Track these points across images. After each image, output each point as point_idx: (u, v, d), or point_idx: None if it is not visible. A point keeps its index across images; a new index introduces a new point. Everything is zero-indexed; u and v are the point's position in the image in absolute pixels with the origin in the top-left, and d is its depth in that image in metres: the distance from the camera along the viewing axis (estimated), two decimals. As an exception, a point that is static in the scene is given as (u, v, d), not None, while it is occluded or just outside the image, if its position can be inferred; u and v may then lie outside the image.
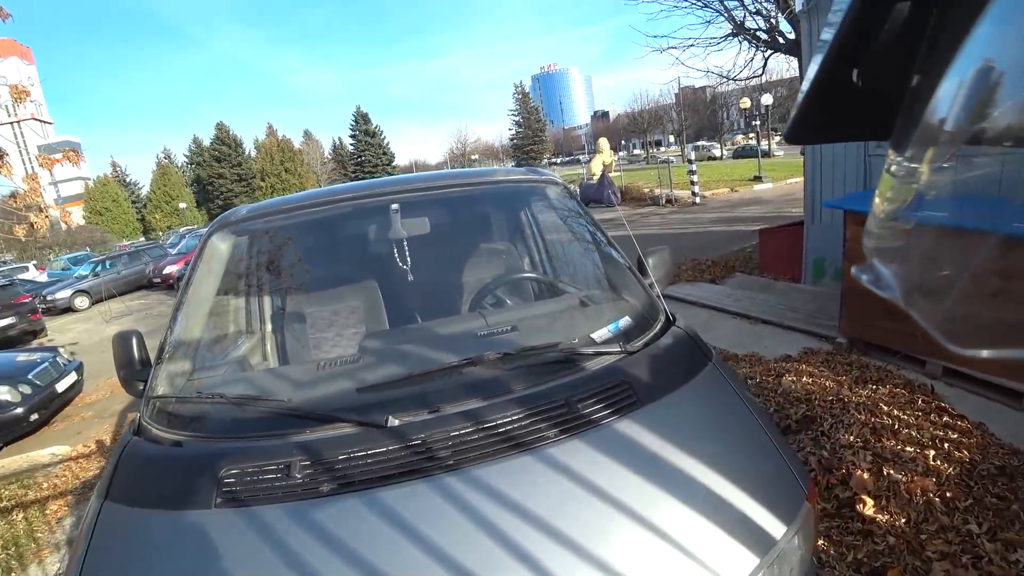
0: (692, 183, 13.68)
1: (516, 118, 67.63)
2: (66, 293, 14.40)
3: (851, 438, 2.43)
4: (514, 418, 1.24)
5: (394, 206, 2.05)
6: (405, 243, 2.21)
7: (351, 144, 60.52)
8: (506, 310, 2.02)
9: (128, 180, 54.26)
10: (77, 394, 6.46)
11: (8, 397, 5.45)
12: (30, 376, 5.77)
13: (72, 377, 6.28)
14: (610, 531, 1.09)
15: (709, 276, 6.39)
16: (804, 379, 3.07)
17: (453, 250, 2.49)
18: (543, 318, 1.77)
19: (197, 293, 1.91)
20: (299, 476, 1.13)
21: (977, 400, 2.78)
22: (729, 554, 1.12)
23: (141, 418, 1.49)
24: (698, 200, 13.66)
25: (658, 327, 1.62)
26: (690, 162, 13.92)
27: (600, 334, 1.59)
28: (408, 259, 2.22)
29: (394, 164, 60.85)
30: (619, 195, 15.44)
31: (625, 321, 1.65)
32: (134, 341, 1.75)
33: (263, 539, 1.04)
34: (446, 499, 1.09)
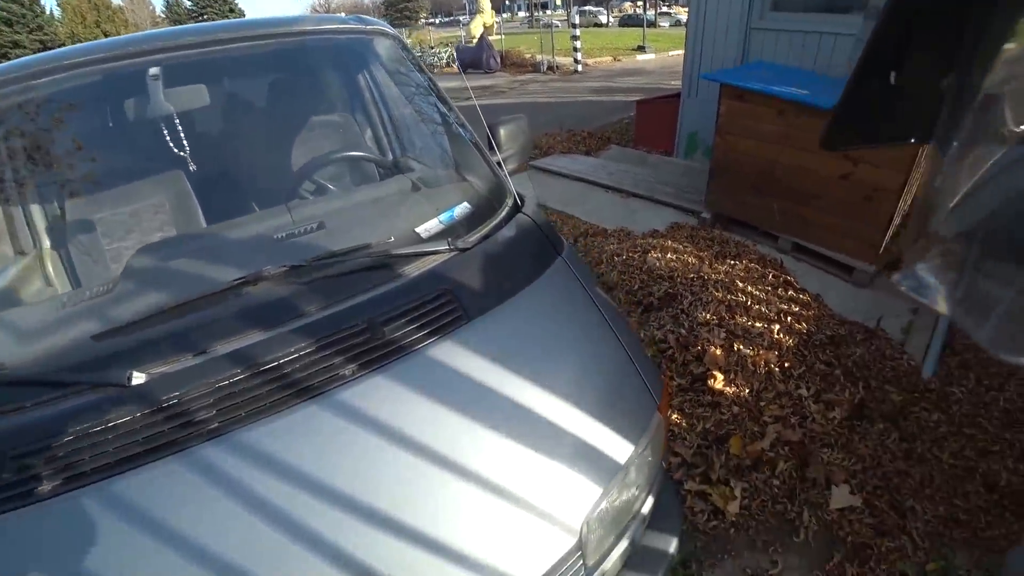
0: (575, 50, 12.98)
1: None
2: None
3: (708, 316, 2.45)
4: (300, 354, 0.95)
5: (170, 69, 1.51)
6: (208, 118, 1.84)
7: (189, 3, 49.47)
8: (319, 201, 1.60)
9: None
10: None
11: None
12: None
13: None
14: (418, 496, 0.84)
15: (584, 148, 6.19)
16: (669, 255, 3.05)
17: (274, 124, 1.98)
18: (361, 208, 1.39)
19: None
20: (71, 458, 0.82)
21: (818, 274, 2.96)
22: (569, 492, 0.95)
23: None
24: (580, 69, 13.07)
25: (502, 215, 1.33)
26: (574, 26, 13.08)
27: (428, 227, 1.26)
28: (211, 139, 1.87)
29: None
30: (499, 60, 14.37)
31: (462, 209, 1.34)
32: None
33: None
34: (205, 479, 0.82)
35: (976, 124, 0.44)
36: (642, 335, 2.50)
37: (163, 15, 50.19)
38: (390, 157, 1.88)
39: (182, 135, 1.58)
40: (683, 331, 2.42)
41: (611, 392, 1.10)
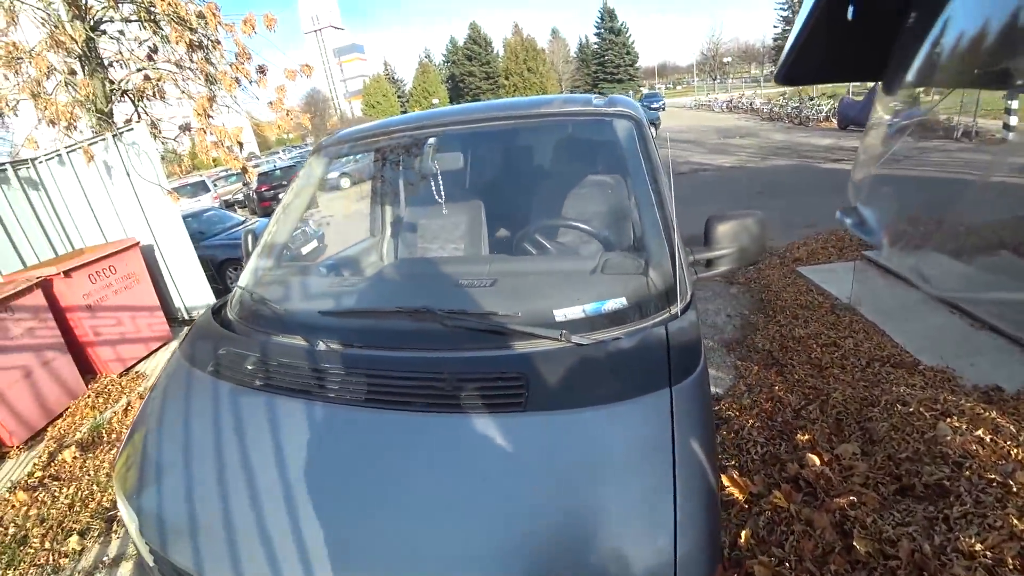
0: (1008, 112, 9.83)
1: (784, 13, 56.14)
2: (334, 174, 17.71)
3: (980, 545, 1.66)
4: (393, 377, 1.29)
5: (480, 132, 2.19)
6: (498, 172, 2.62)
7: (595, 43, 58.55)
8: (514, 260, 1.96)
9: (395, 77, 63.15)
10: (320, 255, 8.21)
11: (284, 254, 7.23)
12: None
13: (314, 243, 7.90)
14: (388, 502, 1.06)
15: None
16: (978, 432, 2.15)
17: (531, 185, 2.50)
18: (534, 278, 1.64)
19: (291, 205, 2.22)
20: (252, 369, 1.44)
21: None
22: None
23: (226, 298, 1.93)
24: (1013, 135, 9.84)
25: (646, 322, 1.31)
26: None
27: (567, 312, 1.37)
28: (499, 188, 2.55)
29: (637, 65, 57.16)
30: (889, 120, 12.08)
31: (614, 303, 1.38)
32: (249, 239, 2.15)
33: (217, 407, 1.39)
34: (312, 419, 1.25)
35: (924, 64, 0.44)
36: (871, 523, 1.89)
37: (575, 53, 60.44)
38: (607, 234, 1.97)
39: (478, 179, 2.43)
40: (929, 547, 1.71)
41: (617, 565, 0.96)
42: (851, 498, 1.99)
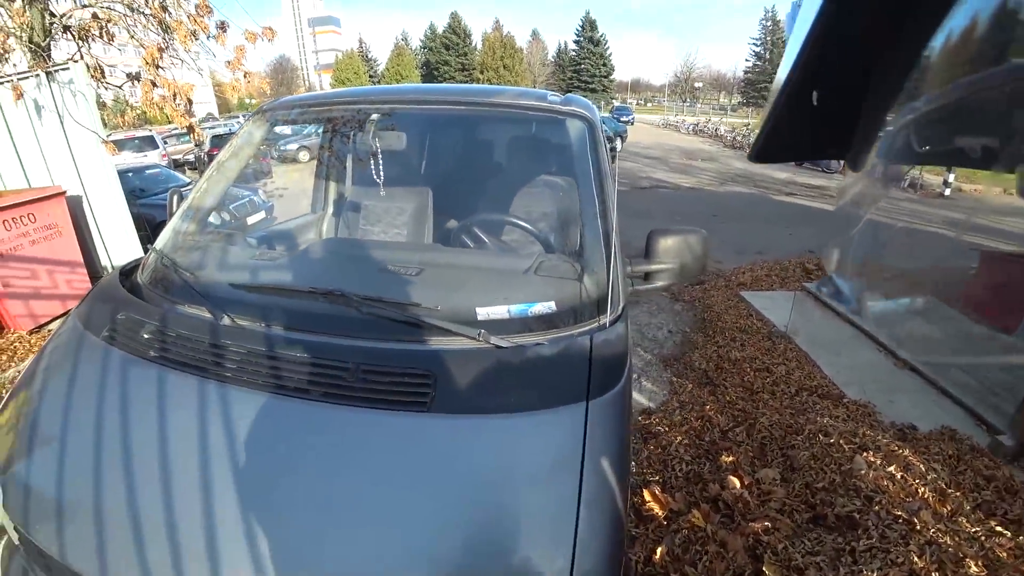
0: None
1: (757, 48, 58.61)
2: (293, 146, 17.04)
3: None
4: (297, 360, 1.20)
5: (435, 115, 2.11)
6: (449, 157, 2.47)
7: (573, 50, 59.12)
8: (449, 252, 1.88)
9: (369, 56, 61.67)
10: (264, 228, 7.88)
11: (211, 219, 6.81)
12: (231, 207, 7.06)
13: (261, 215, 7.53)
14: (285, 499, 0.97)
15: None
16: (890, 469, 2.22)
17: (481, 174, 2.44)
18: (464, 271, 1.55)
19: (223, 167, 2.08)
20: (148, 338, 1.31)
21: None
22: None
23: (138, 260, 1.78)
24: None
25: (573, 330, 1.27)
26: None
27: (490, 311, 1.30)
28: (447, 174, 2.43)
29: (611, 77, 58.20)
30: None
31: (543, 307, 1.32)
32: (174, 199, 1.99)
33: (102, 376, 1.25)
34: (204, 398, 1.14)
35: (885, 144, 0.51)
36: (782, 549, 1.90)
37: (553, 58, 61.00)
38: (549, 235, 1.89)
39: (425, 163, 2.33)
40: (833, 578, 1.74)
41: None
42: (765, 523, 2.01)
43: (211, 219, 2.22)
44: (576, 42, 57.61)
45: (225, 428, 1.07)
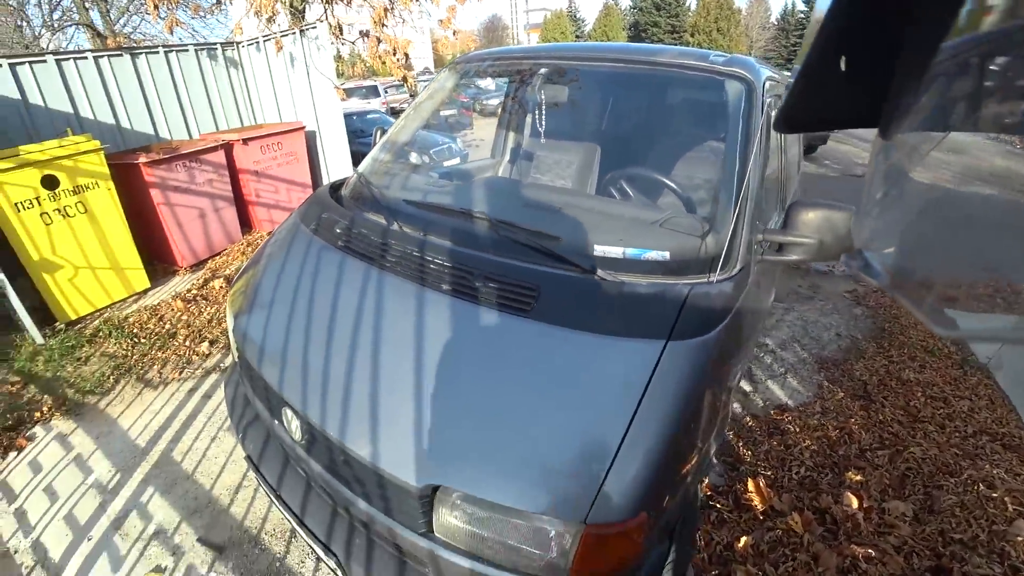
0: None
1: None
2: (495, 101, 17.72)
3: None
4: (441, 263, 1.45)
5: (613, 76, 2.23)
6: (621, 116, 2.53)
7: (802, 12, 49.84)
8: (598, 199, 2.02)
9: (577, 16, 59.05)
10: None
11: (413, 159, 7.68)
12: (432, 152, 7.84)
13: (456, 161, 8.26)
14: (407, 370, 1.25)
15: None
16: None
17: (648, 133, 2.48)
18: (600, 217, 1.68)
19: (416, 110, 2.42)
20: (339, 232, 1.72)
21: None
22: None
23: (345, 178, 2.23)
24: None
25: (679, 280, 1.32)
26: None
27: (606, 250, 1.45)
28: (619, 132, 2.53)
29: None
30: None
31: (656, 255, 1.42)
32: (378, 134, 2.44)
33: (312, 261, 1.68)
34: (386, 287, 1.47)
35: (917, 111, 0.46)
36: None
37: (776, 20, 52.64)
38: (690, 193, 1.93)
39: (592, 119, 2.50)
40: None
41: (556, 472, 1.05)
42: (870, 551, 1.86)
43: (412, 159, 2.66)
44: (807, 2, 48.61)
45: (376, 302, 1.42)
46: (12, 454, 2.65)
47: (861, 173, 10.25)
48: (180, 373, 3.21)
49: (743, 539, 1.99)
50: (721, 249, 1.38)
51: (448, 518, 1.10)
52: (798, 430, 2.62)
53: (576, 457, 1.05)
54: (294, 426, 1.36)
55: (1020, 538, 1.89)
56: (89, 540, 2.15)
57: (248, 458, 1.65)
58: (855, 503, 2.09)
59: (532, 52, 2.32)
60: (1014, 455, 2.45)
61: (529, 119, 2.87)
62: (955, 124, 0.44)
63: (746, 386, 3.02)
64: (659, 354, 1.13)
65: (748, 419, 2.73)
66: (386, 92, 17.20)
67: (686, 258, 1.39)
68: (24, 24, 12.38)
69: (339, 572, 1.34)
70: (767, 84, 1.80)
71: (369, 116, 9.76)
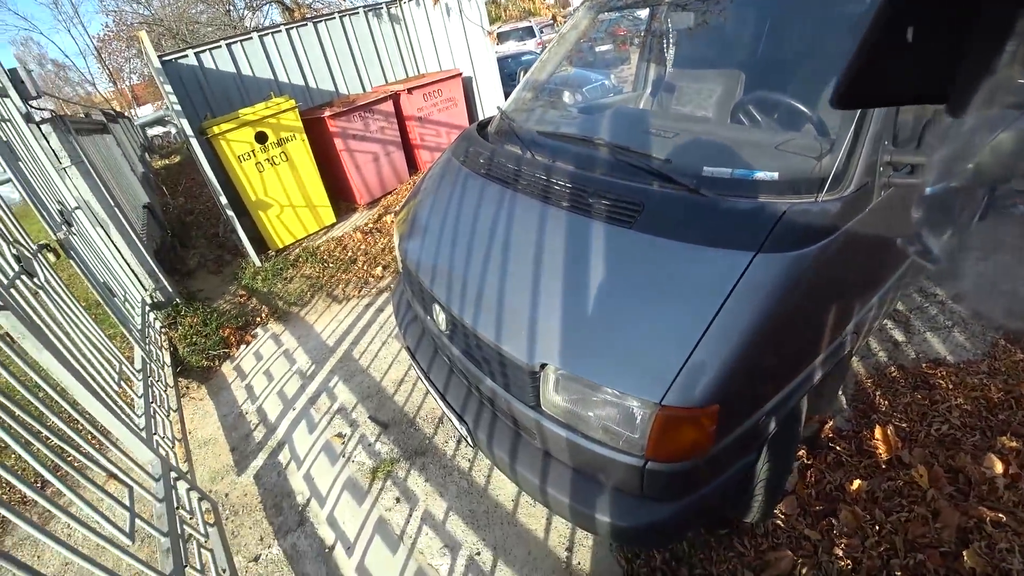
0: None
1: None
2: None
3: None
4: (565, 185, 1.64)
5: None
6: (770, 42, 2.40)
7: None
8: (719, 125, 2.07)
9: None
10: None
11: (566, 99, 7.59)
12: (584, 90, 7.68)
13: (612, 97, 8.00)
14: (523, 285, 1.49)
15: None
16: None
17: (791, 51, 2.34)
18: (716, 141, 1.74)
19: (555, 48, 2.58)
20: (483, 162, 1.99)
21: None
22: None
23: (491, 116, 2.51)
24: None
25: (782, 199, 1.33)
26: None
27: (713, 171, 1.52)
28: (768, 55, 2.42)
29: None
30: None
31: (764, 175, 1.45)
32: (521, 73, 2.67)
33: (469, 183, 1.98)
34: (518, 205, 1.72)
35: (993, 88, 0.42)
36: (1002, 548, 1.64)
37: None
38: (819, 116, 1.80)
39: (734, 45, 2.42)
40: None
41: (641, 358, 1.20)
42: (999, 515, 1.72)
43: (565, 98, 2.79)
44: None
45: (509, 218, 1.67)
46: (242, 347, 3.56)
47: None
48: (359, 291, 3.92)
49: (857, 482, 1.96)
50: (829, 171, 1.35)
51: (552, 395, 1.33)
52: (951, 387, 2.38)
53: (659, 347, 1.18)
54: (441, 318, 1.70)
55: None
56: (293, 410, 2.87)
57: (407, 348, 2.09)
58: (999, 467, 1.91)
59: None
60: None
61: (668, 50, 2.80)
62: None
63: (899, 335, 2.77)
64: (748, 263, 1.20)
65: (893, 369, 2.53)
66: (541, 32, 16.98)
67: (795, 178, 1.38)
68: (231, 7, 14.64)
69: (469, 438, 1.70)
70: None
71: (524, 58, 9.87)
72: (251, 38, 5.37)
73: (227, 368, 3.39)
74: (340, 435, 2.62)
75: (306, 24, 5.70)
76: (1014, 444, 2.04)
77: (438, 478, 2.26)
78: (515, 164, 1.85)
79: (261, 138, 4.42)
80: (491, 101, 6.10)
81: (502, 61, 6.34)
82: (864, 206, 1.37)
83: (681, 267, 1.27)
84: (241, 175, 4.37)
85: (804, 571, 1.72)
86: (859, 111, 1.38)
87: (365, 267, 4.21)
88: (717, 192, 1.39)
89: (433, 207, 1.99)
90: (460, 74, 5.90)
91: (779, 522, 1.88)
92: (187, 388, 3.24)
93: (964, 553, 1.67)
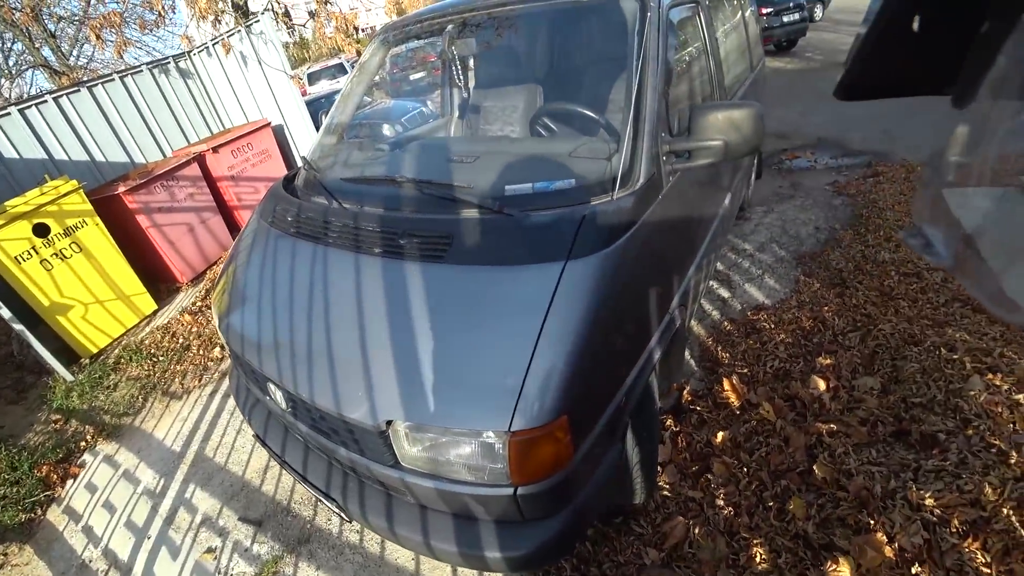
0: None
1: None
2: None
3: (935, 501, 1.62)
4: (370, 228, 1.59)
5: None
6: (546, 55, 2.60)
7: None
8: (504, 141, 2.16)
9: None
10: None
11: (386, 132, 7.49)
12: (403, 120, 7.65)
13: (429, 124, 8.05)
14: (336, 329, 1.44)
15: None
16: (1019, 397, 1.95)
17: (553, 62, 2.62)
18: (512, 158, 1.79)
19: (357, 84, 2.49)
20: (291, 220, 1.87)
21: None
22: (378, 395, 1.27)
23: (297, 169, 2.32)
24: None
25: (581, 202, 1.41)
26: None
27: (516, 188, 1.56)
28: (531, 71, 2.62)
29: None
30: None
31: (563, 184, 1.52)
32: (323, 117, 2.52)
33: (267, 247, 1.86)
34: (331, 260, 1.63)
35: (1000, 78, 0.42)
36: (840, 453, 1.90)
37: None
38: (604, 118, 1.94)
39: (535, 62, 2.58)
40: (880, 488, 1.72)
41: (470, 387, 1.20)
42: (831, 426, 1.99)
43: (385, 131, 2.72)
44: None
45: (324, 276, 1.57)
46: (69, 482, 2.96)
47: (843, 61, 9.75)
48: (200, 380, 3.47)
49: (720, 434, 2.14)
50: (622, 168, 1.46)
51: (406, 448, 1.27)
52: (773, 326, 2.72)
53: (495, 375, 1.18)
54: (279, 397, 1.55)
55: (973, 393, 1.99)
56: (149, 539, 2.44)
57: (256, 436, 1.87)
58: (822, 385, 2.22)
59: (440, 10, 2.33)
60: (983, 316, 2.52)
61: (463, 73, 2.88)
62: None
63: (724, 292, 3.12)
64: (560, 274, 1.25)
65: (726, 324, 2.84)
66: (352, 68, 16.69)
67: (590, 182, 1.48)
68: (-16, 77, 12.44)
69: (343, 514, 1.55)
70: None
71: (337, 96, 9.67)
72: (9, 113, 4.57)
73: (54, 514, 2.78)
74: (210, 550, 2.28)
75: (79, 90, 5.00)
76: (828, 361, 2.39)
77: (330, 561, 2.05)
78: (323, 217, 1.77)
79: (41, 231, 3.76)
80: (307, 147, 5.85)
81: (316, 103, 6.13)
82: (656, 194, 1.51)
83: (499, 291, 1.28)
84: (24, 279, 3.67)
85: (697, 531, 1.83)
86: (632, 111, 1.52)
87: (201, 351, 3.76)
88: (522, 209, 1.42)
89: (247, 278, 1.83)
90: (269, 124, 5.57)
91: (665, 492, 1.99)
92: (3, 556, 2.61)
93: (814, 467, 1.89)
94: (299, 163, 6.13)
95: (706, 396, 2.39)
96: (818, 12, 13.11)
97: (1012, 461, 1.73)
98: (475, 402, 1.17)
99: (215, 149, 5.05)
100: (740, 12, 3.33)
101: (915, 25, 0.49)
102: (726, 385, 2.37)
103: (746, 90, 2.98)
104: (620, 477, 1.57)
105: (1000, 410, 1.91)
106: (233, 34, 5.44)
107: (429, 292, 1.35)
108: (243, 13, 6.69)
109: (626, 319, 1.39)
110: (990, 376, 2.05)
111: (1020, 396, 1.96)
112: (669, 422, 2.27)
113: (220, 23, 6.43)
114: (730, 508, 1.89)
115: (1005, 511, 1.61)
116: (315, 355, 1.41)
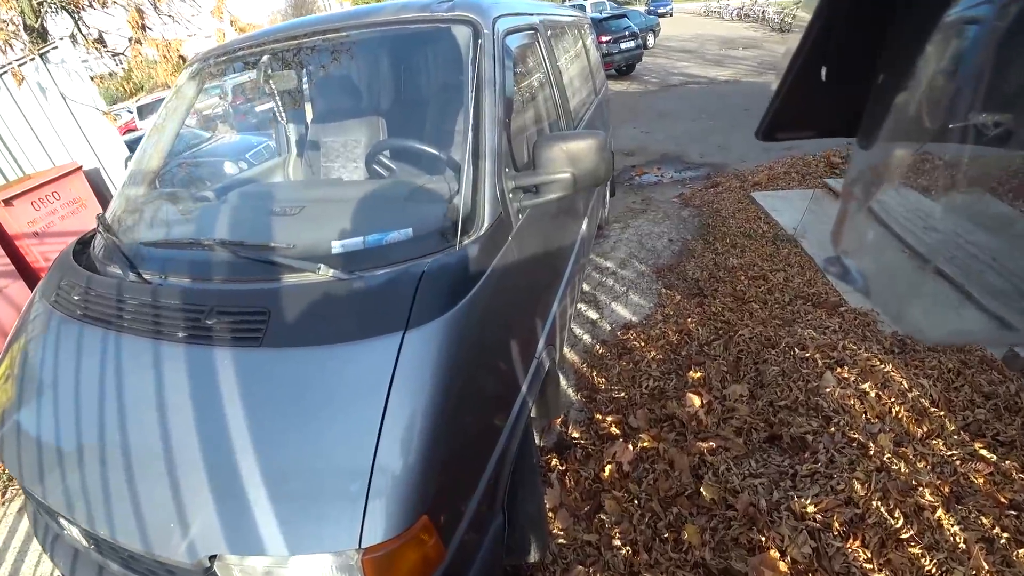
0: None
1: None
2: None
3: (814, 506, 1.62)
4: (175, 308, 1.24)
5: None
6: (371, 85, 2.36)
7: None
8: (336, 185, 1.90)
9: None
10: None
11: (228, 169, 6.69)
12: (247, 156, 6.91)
13: (264, 164, 7.42)
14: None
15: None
16: (865, 387, 2.06)
17: (386, 95, 2.36)
18: (341, 205, 1.48)
19: (169, 123, 2.04)
20: (76, 298, 1.41)
21: None
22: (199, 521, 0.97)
23: (93, 230, 1.84)
24: None
25: (421, 255, 1.19)
26: None
27: (346, 243, 1.27)
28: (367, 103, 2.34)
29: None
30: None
31: (398, 235, 1.26)
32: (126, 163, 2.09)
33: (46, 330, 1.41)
34: (124, 353, 1.23)
35: (895, 123, 0.49)
36: (723, 470, 1.84)
37: None
38: (442, 155, 1.73)
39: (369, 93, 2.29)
40: (765, 503, 1.67)
41: (312, 501, 0.94)
42: (711, 444, 1.94)
43: (227, 168, 2.22)
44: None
45: (116, 373, 1.19)
46: None
47: (677, 83, 10.95)
48: (3, 495, 2.62)
49: (607, 468, 2.00)
50: (466, 212, 1.26)
51: None
52: (643, 344, 2.69)
53: (335, 480, 0.94)
54: (76, 533, 1.20)
55: (828, 389, 2.07)
56: None
57: None
58: (696, 402, 2.18)
59: (257, 38, 2.00)
60: (822, 311, 2.71)
61: (298, 106, 2.55)
62: (931, 134, 0.45)
63: (593, 314, 3.06)
64: (398, 349, 1.03)
65: (598, 347, 2.76)
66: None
67: (429, 230, 1.26)
68: None
69: None
70: (500, 21, 1.67)
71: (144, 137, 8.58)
72: None
73: None
74: None
75: None
76: (698, 374, 2.38)
77: None
78: (116, 294, 1.37)
79: None
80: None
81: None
82: (506, 237, 1.33)
83: (329, 376, 1.05)
84: None
85: (597, 577, 1.64)
86: (471, 146, 1.34)
87: None
88: (351, 270, 1.18)
89: (23, 379, 1.36)
90: (80, 168, 4.63)
91: (561, 540, 1.80)
92: None
93: (701, 489, 1.81)
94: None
95: (587, 425, 2.25)
96: (651, 40, 15.28)
97: (871, 452, 1.78)
98: (314, 518, 0.93)
99: (8, 201, 4.04)
100: (580, 40, 3.40)
101: (823, 75, 0.53)
102: (603, 414, 2.26)
103: (592, 113, 3.00)
104: (510, 543, 1.34)
105: (853, 403, 1.99)
106: (24, 62, 4.50)
107: (245, 386, 1.07)
108: (40, 36, 5.64)
109: (486, 382, 1.20)
110: (839, 370, 2.16)
111: (865, 385, 2.07)
112: (554, 461, 2.08)
113: (11, 48, 5.35)
114: (627, 547, 1.74)
115: (874, 504, 1.63)
116: (112, 481, 1.06)
